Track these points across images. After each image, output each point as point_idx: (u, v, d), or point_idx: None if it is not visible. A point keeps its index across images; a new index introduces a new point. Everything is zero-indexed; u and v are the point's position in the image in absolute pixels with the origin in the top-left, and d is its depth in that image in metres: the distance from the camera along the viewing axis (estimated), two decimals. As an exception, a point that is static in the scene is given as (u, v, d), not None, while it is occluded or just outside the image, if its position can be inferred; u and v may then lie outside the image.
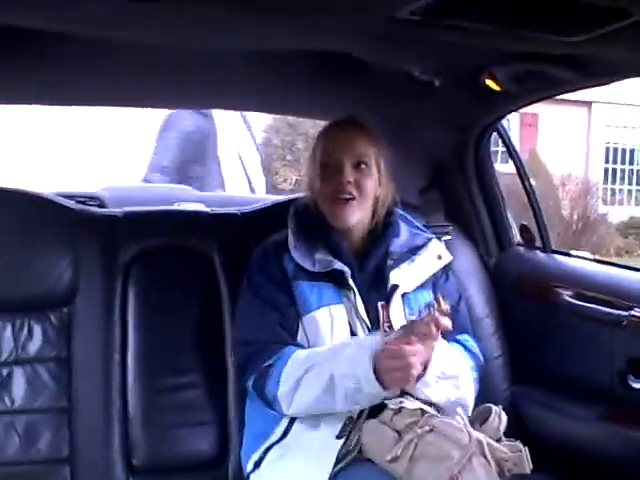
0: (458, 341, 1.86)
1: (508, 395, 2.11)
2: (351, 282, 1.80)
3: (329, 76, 2.04)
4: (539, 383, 1.82)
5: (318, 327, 1.78)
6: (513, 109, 2.21)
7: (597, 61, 1.68)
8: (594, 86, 1.90)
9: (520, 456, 1.53)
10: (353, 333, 1.78)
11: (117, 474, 1.88)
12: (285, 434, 1.73)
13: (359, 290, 1.81)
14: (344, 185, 1.81)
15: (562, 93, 2.01)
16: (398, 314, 1.81)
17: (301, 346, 1.77)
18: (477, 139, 2.34)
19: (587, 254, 2.23)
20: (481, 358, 1.88)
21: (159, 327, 1.99)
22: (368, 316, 1.79)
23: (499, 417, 1.63)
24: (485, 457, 1.53)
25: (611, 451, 1.88)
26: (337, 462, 1.64)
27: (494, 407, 1.65)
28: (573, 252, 2.24)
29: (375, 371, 1.61)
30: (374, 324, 1.79)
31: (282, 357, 1.73)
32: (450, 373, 1.70)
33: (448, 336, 1.75)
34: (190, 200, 2.59)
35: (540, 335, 1.83)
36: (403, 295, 1.83)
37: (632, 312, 1.90)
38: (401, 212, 1.99)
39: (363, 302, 1.81)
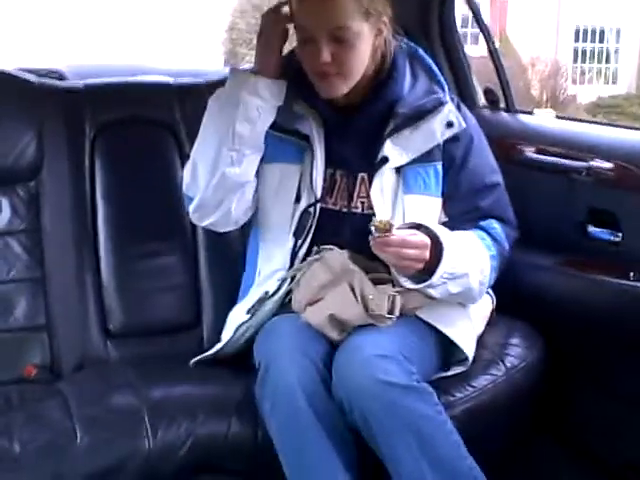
0: (482, 228, 1.73)
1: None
2: (316, 145, 1.68)
3: None
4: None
5: (265, 182, 1.73)
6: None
7: None
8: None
9: (382, 297, 1.58)
10: (298, 199, 1.70)
11: (94, 339, 1.91)
12: None
13: (343, 153, 1.70)
14: (320, 65, 1.60)
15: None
16: (386, 190, 1.68)
17: None
18: (441, 1, 2.32)
19: (550, 111, 2.26)
20: (505, 245, 1.75)
21: (128, 196, 2.00)
22: (343, 185, 1.71)
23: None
24: (352, 288, 1.59)
25: (571, 294, 1.95)
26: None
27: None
28: (536, 110, 2.26)
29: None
30: (343, 196, 1.71)
31: None
32: (461, 271, 1.62)
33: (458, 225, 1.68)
34: (154, 73, 2.54)
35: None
36: (399, 169, 1.68)
37: (592, 163, 1.94)
38: (420, 52, 1.78)
39: (346, 169, 1.71)
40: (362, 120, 1.70)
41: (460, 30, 2.43)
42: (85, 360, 1.89)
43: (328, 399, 1.52)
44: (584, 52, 15.66)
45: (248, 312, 1.71)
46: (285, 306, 1.71)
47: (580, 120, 2.22)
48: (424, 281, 1.60)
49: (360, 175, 1.71)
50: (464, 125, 1.73)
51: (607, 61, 15.78)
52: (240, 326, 1.71)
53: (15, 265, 1.91)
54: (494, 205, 1.76)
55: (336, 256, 1.66)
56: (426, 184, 1.70)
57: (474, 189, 1.75)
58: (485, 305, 1.84)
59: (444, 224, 1.69)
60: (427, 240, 1.57)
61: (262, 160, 1.72)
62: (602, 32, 15.74)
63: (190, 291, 1.99)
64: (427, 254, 1.57)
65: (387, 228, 1.52)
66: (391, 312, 1.60)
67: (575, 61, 15.26)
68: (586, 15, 15.24)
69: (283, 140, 1.71)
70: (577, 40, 15.55)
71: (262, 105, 1.67)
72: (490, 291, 1.84)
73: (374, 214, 1.66)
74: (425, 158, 1.70)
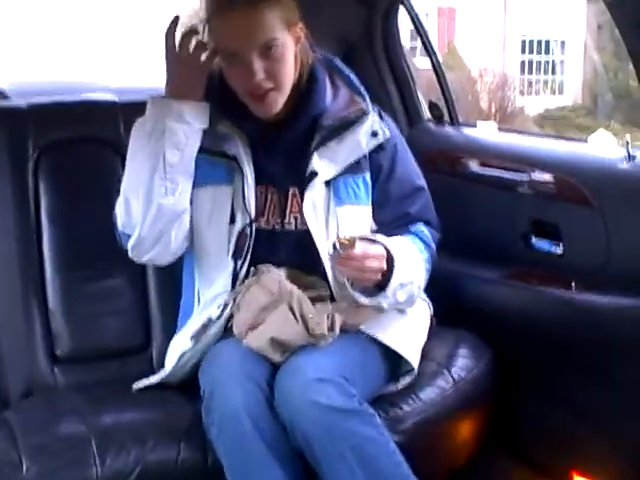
0: (413, 232, 1.77)
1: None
2: (245, 164, 1.67)
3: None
4: (449, 250, 1.88)
5: (198, 206, 1.70)
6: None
7: None
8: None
9: (321, 316, 1.59)
10: (232, 220, 1.68)
11: (41, 366, 1.88)
12: None
13: (272, 170, 1.69)
14: (255, 83, 1.59)
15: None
16: (318, 204, 1.68)
17: None
18: (384, 14, 2.34)
19: (493, 124, 2.29)
20: (433, 246, 1.80)
21: (73, 217, 1.97)
22: (275, 202, 1.69)
23: None
24: (292, 309, 1.59)
25: (516, 306, 1.98)
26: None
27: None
28: (479, 123, 2.29)
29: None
30: (275, 213, 1.70)
31: None
32: (408, 279, 1.65)
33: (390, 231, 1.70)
34: (98, 91, 2.51)
35: (449, 206, 1.88)
36: (328, 182, 1.69)
37: (533, 175, 1.97)
38: (337, 62, 1.78)
39: (276, 186, 1.70)
40: (289, 135, 1.69)
41: (410, 43, 2.45)
42: (33, 387, 1.86)
43: (274, 421, 1.50)
44: (530, 63, 15.91)
45: (192, 338, 1.68)
46: (228, 330, 1.69)
47: (522, 132, 2.25)
48: (376, 294, 1.61)
49: (291, 190, 1.71)
50: (388, 134, 1.74)
51: (553, 72, 16.05)
52: (184, 354, 1.69)
53: (-41, 292, 1.87)
54: (422, 210, 1.80)
55: (273, 277, 1.65)
56: (356, 194, 1.72)
57: (403, 196, 1.78)
58: (424, 313, 1.83)
59: (375, 232, 1.71)
60: (384, 250, 1.59)
61: (193, 185, 1.69)
62: (547, 44, 16.00)
63: (139, 314, 1.96)
64: (385, 264, 1.58)
65: (352, 244, 1.53)
66: (331, 330, 1.60)
67: (522, 73, 15.50)
68: (531, 27, 15.48)
69: (211, 162, 1.69)
70: (524, 52, 15.79)
71: (188, 130, 1.63)
72: (425, 297, 1.84)
73: (308, 230, 1.67)
74: (354, 169, 1.71)
